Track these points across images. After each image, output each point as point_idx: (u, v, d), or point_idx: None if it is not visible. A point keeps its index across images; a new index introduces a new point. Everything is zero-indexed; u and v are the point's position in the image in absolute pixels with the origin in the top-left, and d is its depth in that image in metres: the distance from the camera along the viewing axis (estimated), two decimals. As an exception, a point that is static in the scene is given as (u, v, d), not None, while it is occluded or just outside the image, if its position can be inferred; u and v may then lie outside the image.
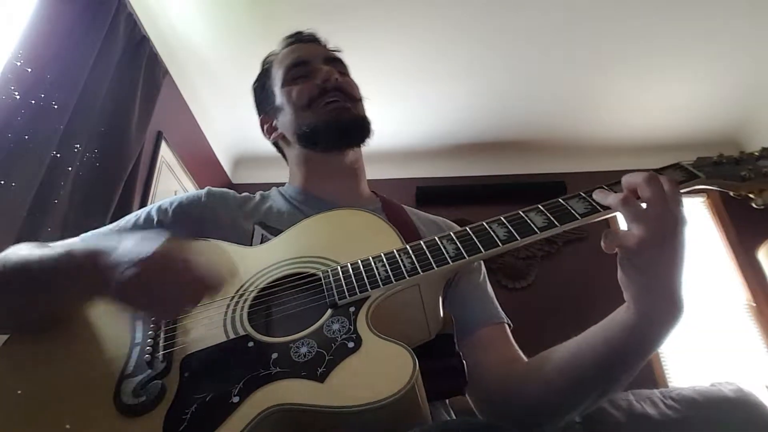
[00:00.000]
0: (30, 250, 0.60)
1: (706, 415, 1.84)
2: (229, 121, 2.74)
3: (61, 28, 1.47)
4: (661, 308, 0.53)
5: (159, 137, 2.13)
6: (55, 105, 1.39)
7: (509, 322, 0.78)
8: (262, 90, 0.95)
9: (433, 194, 2.88)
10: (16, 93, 1.30)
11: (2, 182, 1.23)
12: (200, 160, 2.66)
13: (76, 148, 1.48)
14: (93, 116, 1.56)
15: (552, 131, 2.92)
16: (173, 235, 0.72)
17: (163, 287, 0.49)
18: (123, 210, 1.66)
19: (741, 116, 2.80)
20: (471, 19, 2.17)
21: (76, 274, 0.54)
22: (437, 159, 3.08)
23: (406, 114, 2.74)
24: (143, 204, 1.94)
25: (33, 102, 1.34)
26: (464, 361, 0.60)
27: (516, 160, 3.06)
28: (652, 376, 2.34)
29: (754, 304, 2.53)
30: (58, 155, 1.41)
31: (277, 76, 0.90)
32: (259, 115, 0.96)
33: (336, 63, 0.91)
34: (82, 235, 0.75)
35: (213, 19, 2.13)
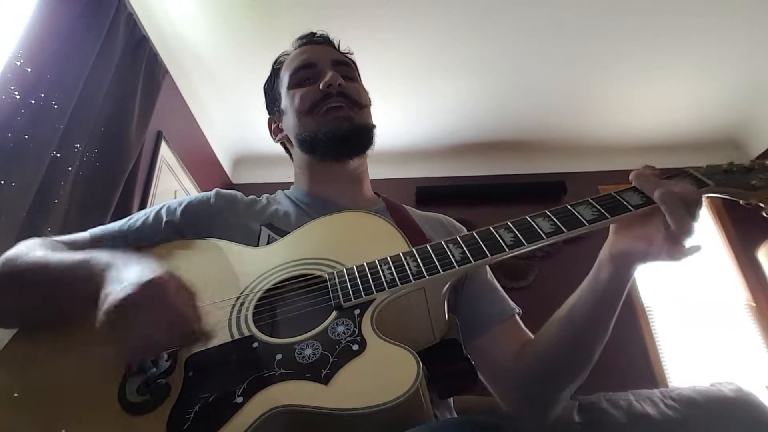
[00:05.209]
0: (45, 251, 0.62)
1: (706, 415, 1.84)
2: (229, 121, 2.73)
3: (61, 28, 1.46)
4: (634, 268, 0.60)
5: (159, 137, 2.13)
6: (55, 105, 1.39)
7: (519, 311, 0.80)
8: (271, 91, 0.94)
9: (433, 194, 2.88)
10: (16, 93, 1.30)
11: (2, 182, 1.22)
12: (200, 160, 2.65)
13: (76, 148, 1.48)
14: (93, 116, 1.56)
15: (552, 131, 2.92)
16: (184, 237, 0.72)
17: (139, 329, 0.47)
18: (123, 210, 1.66)
19: (741, 116, 2.80)
20: (471, 19, 2.17)
21: (82, 292, 0.54)
22: (437, 159, 3.08)
23: (406, 114, 2.74)
24: (143, 204, 1.94)
25: (33, 102, 1.33)
26: (473, 362, 0.62)
27: (516, 160, 3.06)
28: (652, 376, 2.34)
29: (754, 304, 2.53)
30: (58, 155, 1.40)
31: (285, 78, 0.89)
32: (269, 115, 0.97)
33: (344, 67, 0.88)
34: (91, 231, 0.75)
35: (213, 19, 2.13)
